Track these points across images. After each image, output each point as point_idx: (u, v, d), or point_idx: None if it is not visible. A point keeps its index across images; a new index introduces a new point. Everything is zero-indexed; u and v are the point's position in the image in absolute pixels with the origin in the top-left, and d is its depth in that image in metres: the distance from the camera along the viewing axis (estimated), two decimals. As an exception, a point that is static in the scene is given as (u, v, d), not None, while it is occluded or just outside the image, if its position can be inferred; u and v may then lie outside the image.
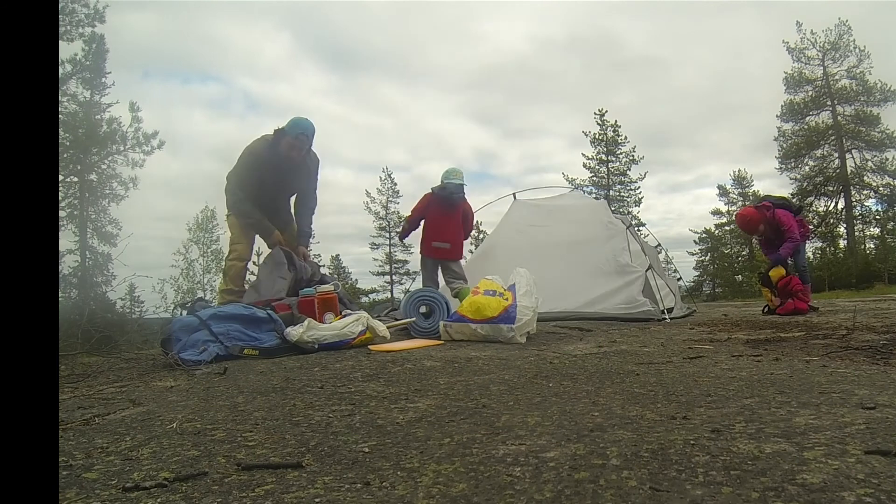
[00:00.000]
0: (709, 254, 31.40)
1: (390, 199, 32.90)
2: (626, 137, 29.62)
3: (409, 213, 4.90)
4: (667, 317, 4.38)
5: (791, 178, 27.01)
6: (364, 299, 30.00)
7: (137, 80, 42.06)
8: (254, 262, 3.99)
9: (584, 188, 28.79)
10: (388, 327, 2.80)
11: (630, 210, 29.66)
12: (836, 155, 25.72)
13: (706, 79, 39.78)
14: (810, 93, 25.98)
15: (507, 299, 2.82)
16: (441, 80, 43.51)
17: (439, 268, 4.73)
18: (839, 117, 25.33)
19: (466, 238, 4.90)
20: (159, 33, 38.93)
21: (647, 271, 4.69)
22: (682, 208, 42.92)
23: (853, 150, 25.44)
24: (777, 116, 26.96)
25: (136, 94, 41.37)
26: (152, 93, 43.13)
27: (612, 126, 29.57)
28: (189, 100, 45.47)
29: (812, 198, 26.67)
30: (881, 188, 25.11)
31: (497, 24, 42.77)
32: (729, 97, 39.59)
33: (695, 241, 31.47)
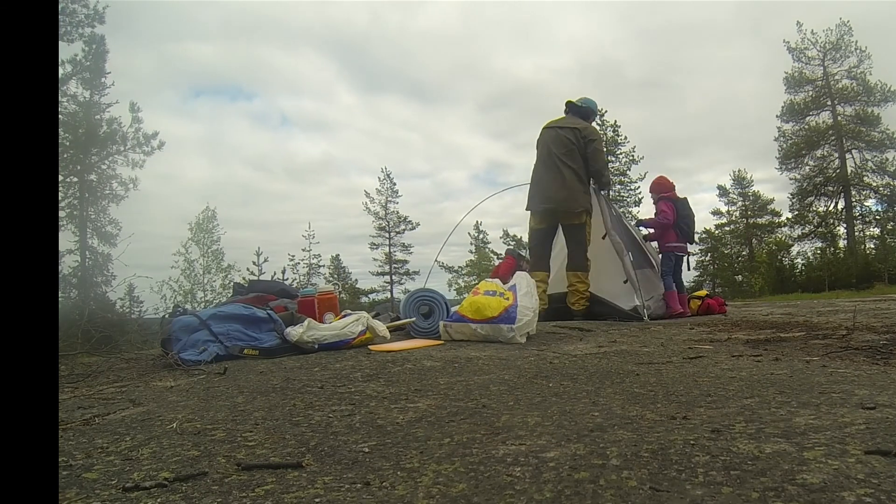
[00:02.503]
0: (709, 254, 31.38)
1: (389, 199, 32.92)
2: (625, 138, 29.62)
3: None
4: (644, 316, 4.29)
5: (791, 179, 27.07)
6: (364, 299, 30.04)
7: (190, 96, 50.77)
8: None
9: None
10: (387, 327, 2.81)
11: (630, 210, 29.68)
12: (836, 155, 25.74)
13: (703, 100, 44.78)
14: (810, 93, 26.00)
15: (507, 299, 2.82)
16: (460, 103, 51.04)
17: None
18: (839, 117, 25.34)
19: None
20: (217, 59, 46.27)
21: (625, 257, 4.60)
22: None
23: (853, 151, 25.46)
24: (777, 116, 27.01)
25: (188, 109, 48.58)
26: (202, 108, 50.35)
27: (611, 126, 29.56)
28: (234, 113, 53.60)
29: (812, 198, 26.71)
30: (881, 188, 25.12)
31: (510, 60, 49.87)
32: (724, 116, 44.45)
33: (695, 241, 31.50)
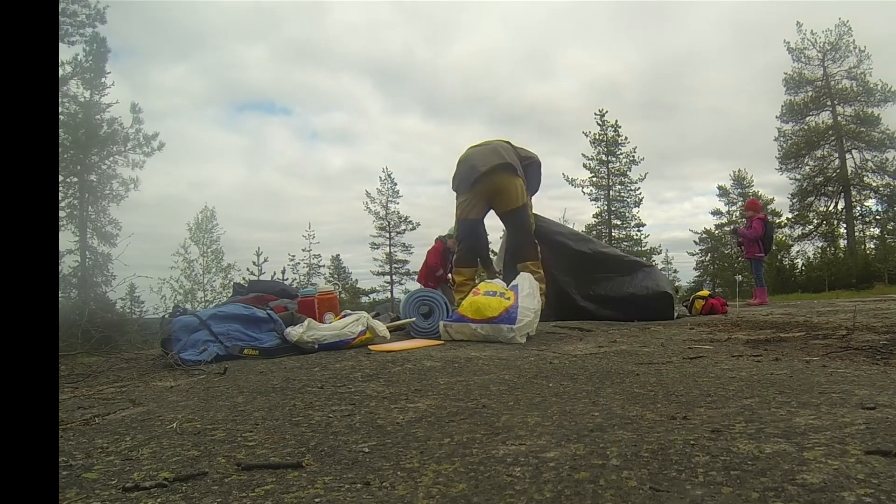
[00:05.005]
0: (709, 254, 31.37)
1: (390, 199, 32.90)
2: (626, 138, 29.62)
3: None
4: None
5: (791, 179, 27.06)
6: (364, 299, 30.05)
7: (234, 112, 60.93)
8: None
9: (584, 188, 28.97)
10: (387, 327, 2.81)
11: (631, 211, 29.71)
12: (836, 155, 25.73)
13: (699, 117, 49.35)
14: (810, 93, 25.99)
15: (508, 299, 2.82)
16: (474, 121, 57.57)
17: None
18: (839, 117, 25.33)
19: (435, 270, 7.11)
20: (265, 80, 55.37)
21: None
22: (681, 215, 52.18)
23: (853, 151, 25.45)
24: (777, 117, 27.01)
25: (233, 122, 58.42)
26: (246, 121, 59.18)
27: (612, 126, 29.55)
28: (274, 126, 61.13)
29: (812, 198, 26.69)
30: (881, 188, 25.11)
31: (522, 88, 56.66)
32: (718, 131, 48.92)
33: (695, 242, 31.50)
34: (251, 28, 58.98)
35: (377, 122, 60.25)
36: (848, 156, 25.37)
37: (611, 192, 29.54)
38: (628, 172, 29.68)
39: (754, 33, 44.42)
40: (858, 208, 26.13)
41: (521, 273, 3.20)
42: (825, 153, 26.13)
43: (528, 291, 2.92)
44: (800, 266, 22.91)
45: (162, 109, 46.68)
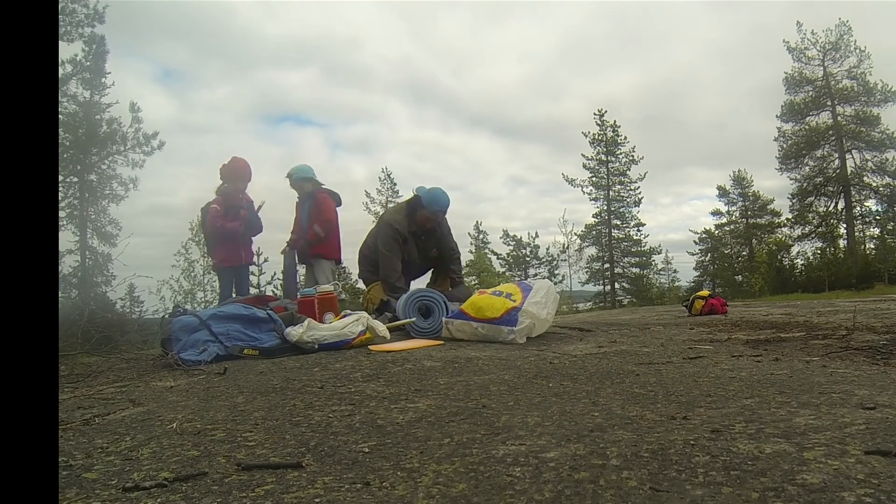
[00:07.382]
0: (709, 254, 31.37)
1: (390, 199, 32.87)
2: (625, 138, 29.58)
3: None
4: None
5: (791, 179, 27.08)
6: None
7: (271, 124, 64.05)
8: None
9: (584, 188, 29.04)
10: (387, 327, 2.80)
11: (630, 211, 29.71)
12: (836, 155, 25.74)
13: (693, 130, 52.19)
14: (810, 93, 26.00)
15: (514, 301, 2.80)
16: (486, 135, 62.61)
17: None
18: (839, 118, 25.34)
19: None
20: (301, 99, 63.08)
21: None
22: (680, 217, 54.71)
23: (853, 151, 25.46)
24: (777, 116, 27.02)
25: (267, 132, 62.32)
26: (281, 133, 63.29)
27: (611, 126, 29.52)
28: (297, 136, 66.47)
29: (812, 198, 26.71)
30: (881, 188, 25.11)
31: (530, 110, 60.57)
32: (713, 144, 51.58)
33: (695, 242, 31.49)
34: (293, 56, 68.98)
35: (400, 135, 66.84)
36: (848, 156, 25.38)
37: (610, 192, 29.51)
38: (628, 172, 29.63)
39: (737, 56, 50.74)
40: (858, 208, 26.14)
41: (541, 281, 3.12)
42: (825, 153, 26.14)
43: (538, 299, 2.87)
44: (800, 266, 22.93)
45: (206, 124, 53.08)
